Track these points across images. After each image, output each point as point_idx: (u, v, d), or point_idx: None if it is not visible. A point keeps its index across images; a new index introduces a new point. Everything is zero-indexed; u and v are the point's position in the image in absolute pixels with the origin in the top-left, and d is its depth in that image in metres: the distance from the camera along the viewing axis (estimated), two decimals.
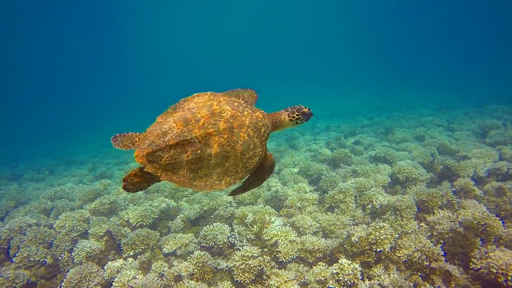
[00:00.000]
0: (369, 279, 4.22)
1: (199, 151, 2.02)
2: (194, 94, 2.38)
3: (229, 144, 2.08)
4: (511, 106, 15.41)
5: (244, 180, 2.46)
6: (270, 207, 6.07)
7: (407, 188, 6.30)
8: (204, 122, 2.07)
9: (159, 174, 2.05)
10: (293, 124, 2.60)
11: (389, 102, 23.01)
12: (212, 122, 2.08)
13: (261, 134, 2.28)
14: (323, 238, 4.87)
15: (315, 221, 5.55)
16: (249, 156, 2.22)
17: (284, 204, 6.49)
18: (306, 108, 2.60)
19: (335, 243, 4.73)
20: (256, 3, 53.48)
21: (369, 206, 5.85)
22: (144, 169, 2.06)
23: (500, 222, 4.67)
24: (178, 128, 2.06)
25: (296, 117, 2.57)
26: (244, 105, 2.35)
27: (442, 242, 4.59)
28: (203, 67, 62.89)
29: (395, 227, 5.01)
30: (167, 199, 7.14)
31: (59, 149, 20.89)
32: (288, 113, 2.57)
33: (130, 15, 48.91)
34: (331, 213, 5.92)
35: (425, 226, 5.08)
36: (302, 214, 6.07)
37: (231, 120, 2.13)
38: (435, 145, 9.35)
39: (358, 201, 6.16)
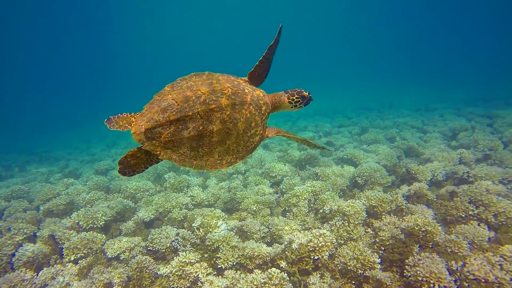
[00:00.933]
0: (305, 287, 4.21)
1: (201, 127, 1.95)
2: (192, 73, 2.30)
3: (231, 120, 2.03)
4: (485, 108, 15.58)
5: (244, 160, 2.43)
6: (220, 210, 6.01)
7: (362, 192, 6.30)
8: (206, 98, 2.01)
9: (158, 152, 1.96)
10: (291, 107, 2.55)
11: (374, 102, 23.11)
12: (214, 98, 2.02)
13: (262, 112, 2.25)
14: (264, 244, 4.82)
15: (264, 225, 5.51)
16: (251, 135, 2.19)
17: (240, 207, 6.45)
18: (306, 92, 2.55)
19: (277, 249, 4.69)
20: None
21: (321, 211, 5.83)
22: (143, 147, 1.97)
23: (440, 228, 4.68)
24: (178, 104, 1.98)
25: (296, 99, 2.52)
26: (243, 84, 2.31)
27: (383, 249, 4.59)
28: (198, 65, 62.36)
29: (340, 233, 5.00)
30: (125, 200, 7.03)
31: (39, 145, 20.51)
32: (288, 95, 2.53)
33: (121, 14, 48.16)
34: (283, 217, 5.89)
35: (371, 232, 5.08)
36: (254, 217, 6.03)
37: (233, 97, 2.07)
38: (404, 147, 9.39)
39: (312, 205, 6.14)
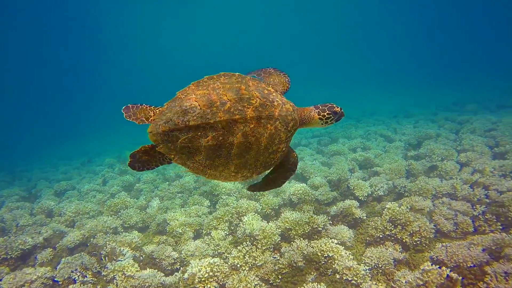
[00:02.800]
0: None
1: (220, 138, 1.86)
2: (221, 73, 2.17)
3: (254, 134, 1.93)
4: (460, 113, 15.27)
5: (261, 175, 2.30)
6: (135, 235, 5.88)
7: (282, 214, 6.05)
8: (231, 106, 1.90)
9: (173, 156, 1.90)
10: (322, 124, 2.43)
11: (357, 109, 22.85)
12: (240, 108, 1.91)
13: (289, 129, 2.13)
14: (162, 274, 4.65)
15: (176, 251, 5.35)
16: (272, 151, 2.07)
17: (166, 229, 6.30)
18: (338, 107, 2.41)
19: (174, 279, 4.53)
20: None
21: (235, 235, 5.65)
22: (157, 149, 1.89)
23: (342, 252, 4.46)
24: (200, 109, 1.87)
25: (327, 115, 2.40)
26: (274, 94, 2.16)
27: (280, 277, 4.38)
28: (202, 68, 61.91)
29: (246, 260, 4.81)
30: (58, 225, 6.94)
31: (24, 163, 20.54)
32: (318, 111, 2.40)
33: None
34: (200, 240, 5.72)
35: (278, 258, 4.87)
36: (177, 241, 5.87)
37: (260, 109, 1.95)
38: (361, 159, 9.17)
39: (233, 228, 5.95)
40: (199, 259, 4.65)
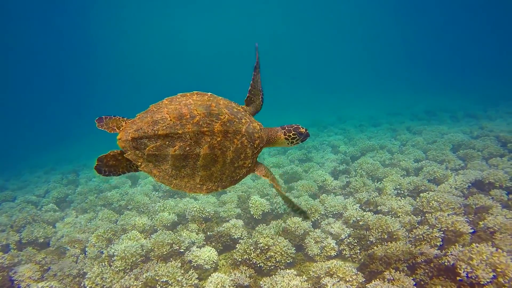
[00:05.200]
0: None
1: (187, 148, 1.94)
2: (194, 91, 2.30)
3: (220, 148, 2.01)
4: (426, 122, 15.06)
5: (227, 189, 2.42)
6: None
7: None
8: (199, 120, 2.00)
9: (140, 163, 1.96)
10: (288, 143, 2.53)
11: (333, 115, 22.58)
12: (208, 121, 2.01)
13: (255, 146, 2.22)
14: None
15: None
16: (238, 166, 2.15)
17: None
18: (303, 128, 2.55)
19: None
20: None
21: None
22: (125, 155, 1.96)
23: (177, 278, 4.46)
24: (170, 120, 1.97)
25: (292, 136, 2.52)
26: (243, 113, 2.29)
27: None
28: (197, 72, 61.90)
29: (101, 283, 4.84)
30: None
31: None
32: (284, 131, 2.51)
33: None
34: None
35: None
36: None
37: (228, 124, 2.06)
38: (291, 172, 9.11)
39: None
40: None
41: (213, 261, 5.16)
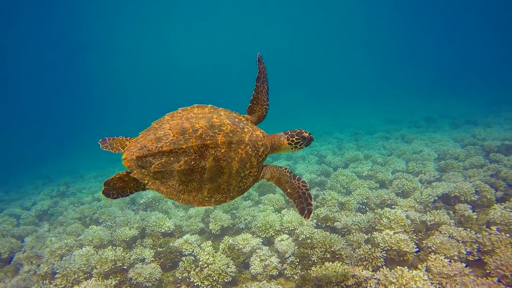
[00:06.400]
0: None
1: (192, 162, 1.94)
2: (194, 105, 2.31)
3: (225, 159, 2.02)
4: (425, 129, 14.56)
5: (235, 200, 2.56)
6: None
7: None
8: (202, 133, 2.00)
9: (147, 181, 1.96)
10: (292, 148, 2.54)
11: (328, 124, 22.06)
12: (211, 134, 2.02)
13: (259, 154, 2.22)
14: None
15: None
16: (244, 175, 2.15)
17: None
18: (306, 132, 2.53)
19: None
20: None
21: None
22: (131, 174, 1.96)
23: None
24: (173, 136, 1.98)
25: (296, 141, 2.51)
26: (244, 122, 2.30)
27: None
28: (197, 82, 62.51)
29: None
30: None
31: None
32: (287, 136, 2.51)
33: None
34: None
35: None
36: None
37: (230, 135, 2.07)
38: (267, 184, 8.96)
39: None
40: None
41: (156, 279, 5.08)
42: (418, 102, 26.95)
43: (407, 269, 3.53)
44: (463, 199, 5.77)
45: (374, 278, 3.60)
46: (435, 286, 3.40)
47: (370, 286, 3.56)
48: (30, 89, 55.22)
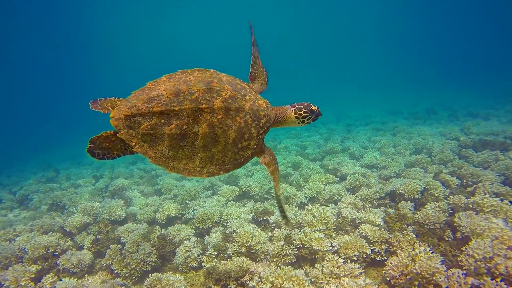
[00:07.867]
0: None
1: (184, 127, 1.80)
2: (196, 68, 2.14)
3: (221, 126, 1.85)
4: (424, 123, 13.88)
5: (229, 173, 2.59)
6: None
7: None
8: (198, 96, 1.85)
9: (134, 143, 1.84)
10: (298, 123, 2.34)
11: (330, 115, 21.49)
12: (208, 98, 1.86)
13: (260, 125, 2.03)
14: None
15: None
16: (242, 147, 1.97)
17: None
18: (315, 106, 2.34)
19: None
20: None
21: None
22: (118, 135, 1.85)
23: None
24: (167, 97, 1.83)
25: (303, 114, 2.31)
26: (247, 89, 2.11)
27: None
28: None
29: None
30: None
31: None
32: (294, 109, 2.31)
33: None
34: None
35: None
36: None
37: (229, 101, 1.89)
38: (235, 175, 8.91)
39: None
40: None
41: (85, 265, 5.20)
42: (426, 93, 25.69)
43: (291, 268, 3.39)
44: (407, 197, 5.46)
45: (258, 274, 3.49)
46: (314, 286, 3.25)
47: (252, 282, 3.46)
48: (41, 77, 56.87)
